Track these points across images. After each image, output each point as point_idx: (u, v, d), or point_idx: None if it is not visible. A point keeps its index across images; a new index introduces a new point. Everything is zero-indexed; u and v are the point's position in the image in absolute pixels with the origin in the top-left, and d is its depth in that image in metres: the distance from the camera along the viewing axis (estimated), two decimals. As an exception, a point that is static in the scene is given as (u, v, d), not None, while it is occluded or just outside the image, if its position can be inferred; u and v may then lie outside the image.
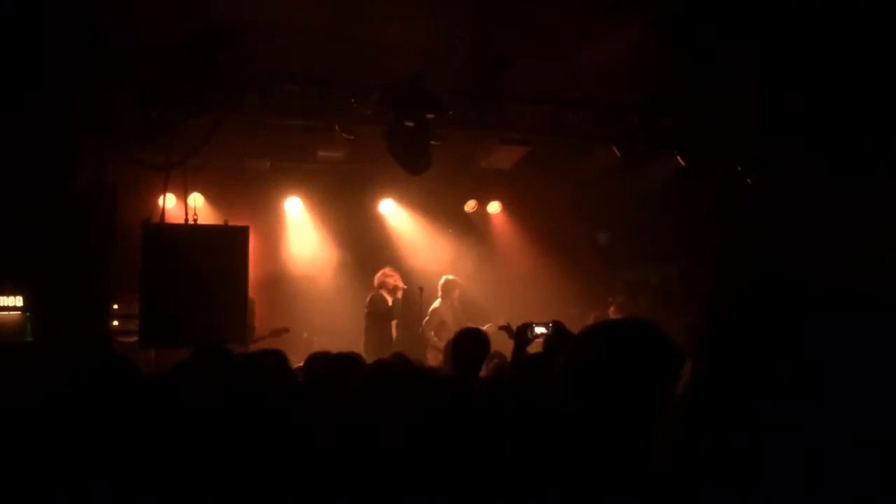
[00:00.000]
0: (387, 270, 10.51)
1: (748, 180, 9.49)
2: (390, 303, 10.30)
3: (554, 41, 8.27)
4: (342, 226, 11.93)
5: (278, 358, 4.38)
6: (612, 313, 11.03)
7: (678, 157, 9.79)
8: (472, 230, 12.66)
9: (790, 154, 9.29)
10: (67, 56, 7.56)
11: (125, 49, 7.61)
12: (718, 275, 10.52)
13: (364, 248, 11.78)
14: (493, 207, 12.77)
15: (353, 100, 8.64)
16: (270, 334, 9.33)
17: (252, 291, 9.03)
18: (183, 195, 9.47)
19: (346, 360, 4.01)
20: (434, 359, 9.88)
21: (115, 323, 9.43)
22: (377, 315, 10.25)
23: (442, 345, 10.40)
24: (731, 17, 7.82)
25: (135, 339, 8.59)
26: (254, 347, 8.06)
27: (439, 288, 10.70)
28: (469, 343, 5.02)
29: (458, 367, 4.89)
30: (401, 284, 10.43)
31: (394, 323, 10.31)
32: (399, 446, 2.29)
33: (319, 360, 4.32)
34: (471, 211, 12.71)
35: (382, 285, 10.35)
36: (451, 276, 10.82)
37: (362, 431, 2.60)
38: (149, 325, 8.26)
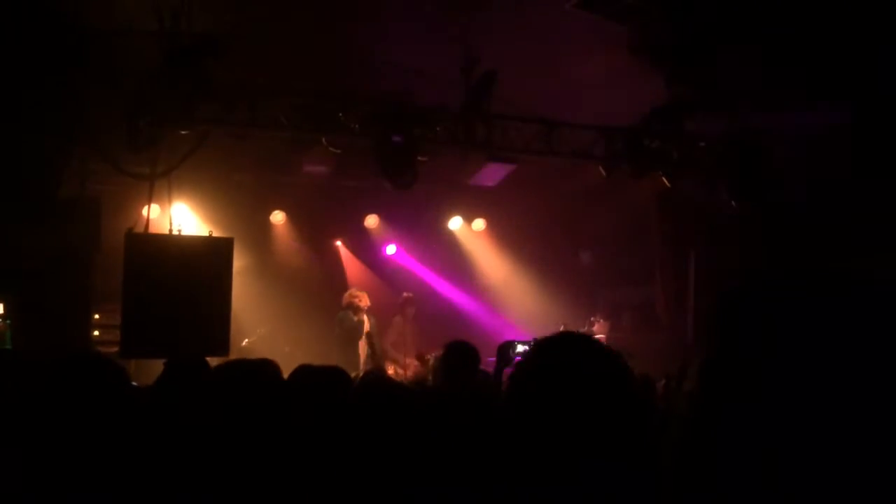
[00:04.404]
0: (353, 290, 10.67)
1: (732, 202, 9.55)
2: (356, 321, 10.31)
3: (542, 61, 8.33)
4: (327, 240, 11.89)
5: (271, 368, 4.34)
6: (597, 331, 11.06)
7: (663, 179, 9.84)
8: (456, 247, 12.67)
9: (773, 174, 9.37)
10: (54, 64, 7.53)
11: (113, 58, 7.59)
12: (701, 296, 10.57)
13: (349, 262, 11.76)
14: (478, 225, 12.79)
15: (340, 114, 8.64)
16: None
17: (235, 303, 8.96)
18: (167, 206, 9.43)
19: (334, 374, 3.99)
20: (391, 369, 9.93)
21: (96, 333, 9.36)
22: (342, 334, 10.29)
23: (403, 358, 10.47)
24: (715, 36, 7.90)
25: (115, 349, 8.51)
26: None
27: (398, 304, 11.06)
28: (459, 357, 5.02)
29: (448, 381, 4.89)
30: (367, 303, 10.45)
31: (361, 342, 10.27)
32: (387, 458, 2.29)
33: (307, 372, 4.29)
34: (455, 228, 12.72)
35: (349, 305, 10.42)
36: (409, 294, 11.08)
37: (353, 444, 2.60)
38: (130, 336, 8.17)
